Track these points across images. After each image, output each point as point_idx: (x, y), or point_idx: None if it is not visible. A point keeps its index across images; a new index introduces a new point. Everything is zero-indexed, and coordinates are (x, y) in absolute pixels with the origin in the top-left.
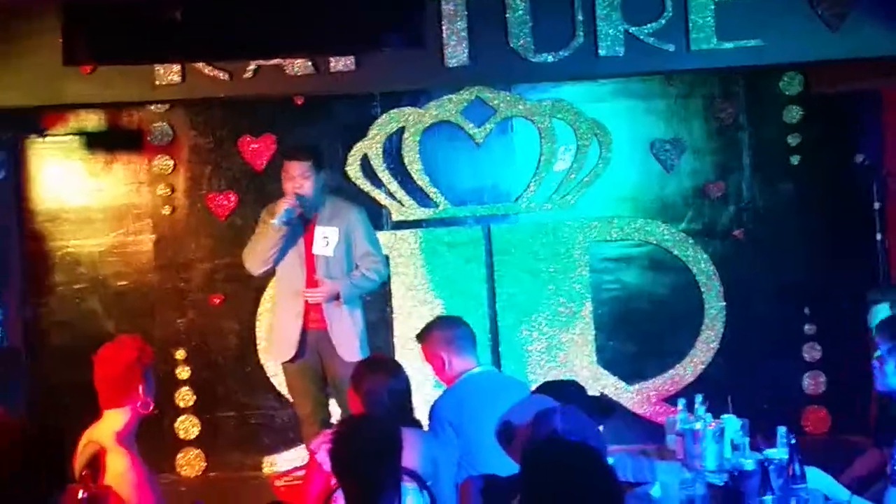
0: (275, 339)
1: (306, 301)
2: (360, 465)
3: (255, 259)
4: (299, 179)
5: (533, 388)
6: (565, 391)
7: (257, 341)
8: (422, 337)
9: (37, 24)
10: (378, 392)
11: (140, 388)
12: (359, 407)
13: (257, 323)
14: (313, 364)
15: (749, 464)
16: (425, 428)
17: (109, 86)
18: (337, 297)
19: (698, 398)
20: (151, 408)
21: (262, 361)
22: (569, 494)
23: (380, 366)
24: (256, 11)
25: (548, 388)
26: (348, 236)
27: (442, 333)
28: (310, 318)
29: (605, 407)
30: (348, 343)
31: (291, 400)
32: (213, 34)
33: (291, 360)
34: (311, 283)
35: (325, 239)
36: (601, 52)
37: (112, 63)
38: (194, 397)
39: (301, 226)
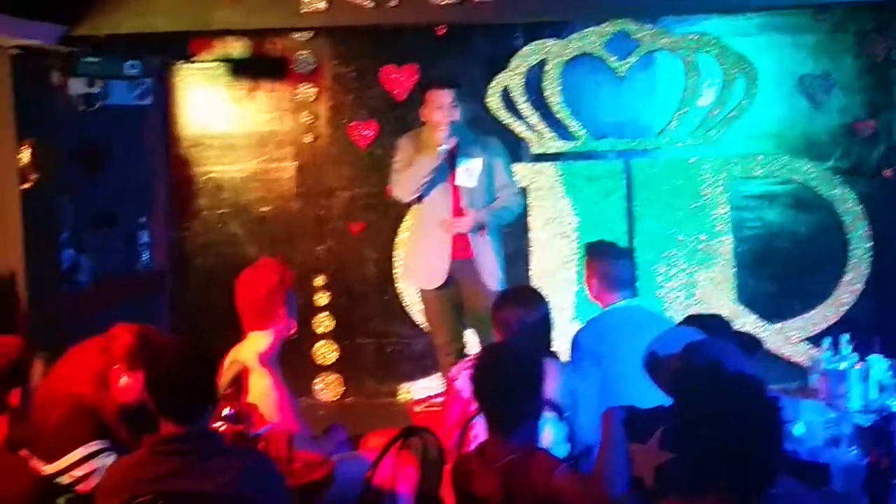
0: (420, 266)
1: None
2: (501, 392)
3: (409, 187)
4: (449, 108)
5: (679, 321)
6: (712, 325)
7: (395, 269)
8: (587, 254)
9: None
10: (510, 322)
11: (282, 310)
12: (498, 334)
13: (395, 252)
14: (454, 294)
15: None
16: (563, 359)
17: (255, 12)
18: (481, 227)
19: (844, 338)
20: (293, 330)
21: (400, 290)
22: (731, 423)
23: (515, 297)
24: None
25: (693, 321)
26: (490, 167)
27: (605, 266)
28: (456, 246)
29: (750, 343)
30: (493, 271)
31: (429, 328)
32: None
33: (437, 289)
34: (457, 212)
35: (468, 170)
36: None
37: None
38: (333, 323)
39: (448, 160)
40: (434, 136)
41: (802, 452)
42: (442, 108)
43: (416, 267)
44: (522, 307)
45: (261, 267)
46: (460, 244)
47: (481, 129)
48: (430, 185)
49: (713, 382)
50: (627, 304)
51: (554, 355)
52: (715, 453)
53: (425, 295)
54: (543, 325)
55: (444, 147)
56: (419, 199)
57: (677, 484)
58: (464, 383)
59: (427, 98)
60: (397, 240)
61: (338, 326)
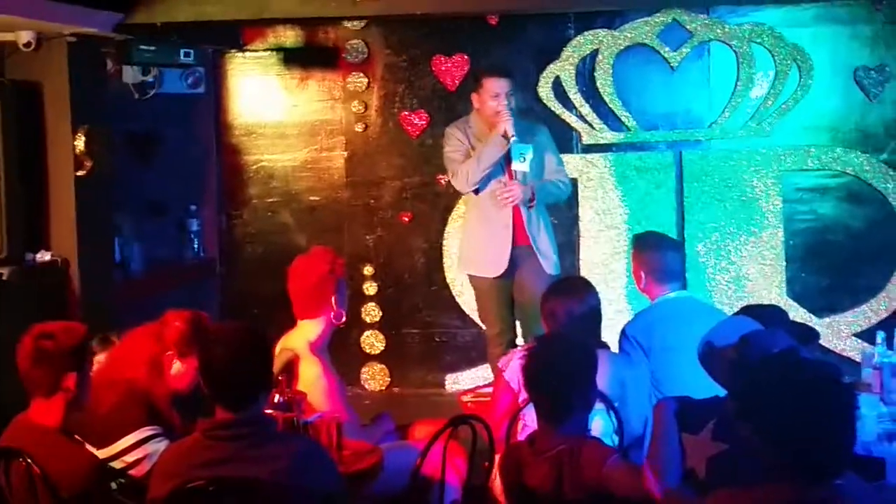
0: (481, 255)
1: (514, 216)
2: (553, 383)
3: (473, 177)
4: (506, 96)
5: (735, 311)
6: (768, 315)
7: (443, 259)
8: (634, 246)
9: None
10: (558, 313)
11: (333, 299)
12: (546, 325)
13: (444, 242)
14: (508, 284)
15: None
16: (612, 350)
17: (309, 1)
18: (531, 200)
19: None
20: (344, 319)
21: (449, 280)
22: (808, 409)
23: (564, 288)
24: None
25: (750, 311)
26: (541, 153)
27: (654, 260)
28: (517, 233)
29: (806, 334)
30: (550, 256)
31: (480, 319)
32: None
33: (493, 278)
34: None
35: (522, 155)
36: None
37: None
38: (380, 313)
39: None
40: (492, 124)
41: (856, 446)
42: (499, 97)
43: (476, 256)
44: (571, 298)
45: (313, 255)
46: (520, 231)
47: (532, 119)
48: (487, 175)
49: (791, 368)
50: (677, 296)
51: (604, 346)
52: (787, 441)
53: (479, 284)
54: (592, 317)
55: (514, 137)
56: (476, 190)
57: (737, 474)
58: (513, 374)
59: (483, 85)
60: (446, 230)
61: (385, 316)
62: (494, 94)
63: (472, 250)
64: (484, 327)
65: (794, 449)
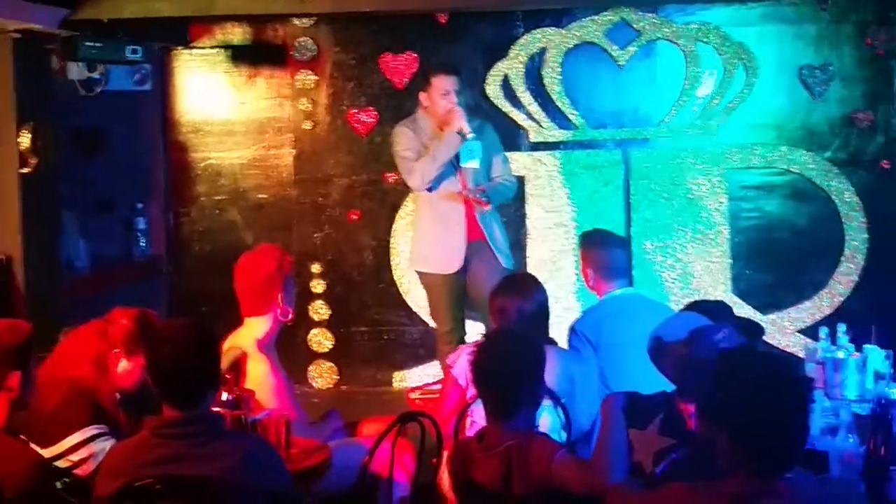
0: (435, 252)
1: (466, 211)
2: (502, 378)
3: (430, 175)
4: (454, 94)
5: (683, 306)
6: (715, 311)
7: (391, 257)
8: (582, 244)
9: None
10: (507, 310)
11: (280, 296)
12: (495, 321)
13: (392, 240)
14: (460, 280)
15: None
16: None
17: None
18: (487, 203)
19: (841, 327)
20: (291, 316)
21: (397, 278)
22: (768, 404)
23: (512, 284)
24: None
25: (696, 307)
26: (487, 150)
27: (601, 256)
28: (470, 228)
29: (752, 329)
30: (505, 249)
31: (431, 316)
32: None
33: (446, 274)
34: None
35: (472, 152)
36: None
37: None
38: (329, 311)
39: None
40: (442, 122)
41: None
42: (448, 94)
43: (429, 253)
44: (520, 295)
45: (260, 252)
46: (473, 226)
47: (481, 116)
48: (439, 174)
49: (751, 361)
50: (624, 293)
51: (552, 342)
52: (747, 434)
53: (431, 281)
54: (540, 314)
55: (474, 133)
56: (429, 189)
57: (686, 468)
58: (461, 371)
59: (432, 83)
60: (394, 227)
61: (333, 314)
62: (444, 92)
63: (424, 247)
64: (434, 324)
65: (754, 443)
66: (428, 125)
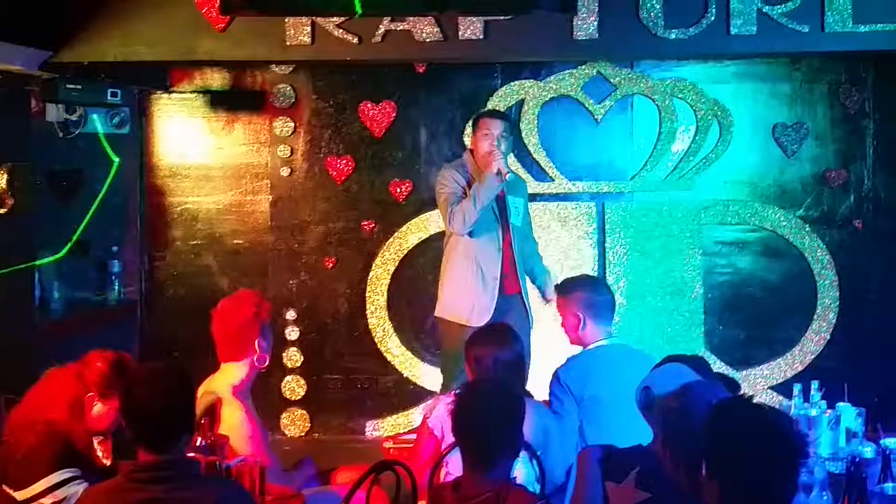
0: (467, 303)
1: (504, 265)
2: (481, 428)
3: (470, 219)
4: (498, 138)
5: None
6: (693, 365)
7: (366, 305)
8: (564, 290)
9: None
10: (484, 359)
11: (257, 342)
12: (471, 372)
13: (368, 288)
14: None
15: (869, 451)
16: (535, 398)
17: (240, 44)
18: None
19: (814, 385)
20: (267, 363)
21: (372, 326)
22: (763, 459)
23: (489, 335)
24: None
25: (674, 360)
26: (527, 207)
27: (587, 295)
28: (507, 282)
29: (730, 385)
30: (531, 307)
31: (441, 366)
32: None
33: (474, 326)
34: (507, 246)
35: (518, 209)
36: (732, 30)
37: (268, 13)
38: (302, 358)
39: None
40: (484, 164)
41: None
42: (489, 136)
43: (461, 304)
44: (497, 345)
45: (238, 298)
46: (511, 281)
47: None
48: (480, 222)
49: (747, 414)
50: (611, 343)
51: (527, 394)
52: (737, 487)
53: (454, 331)
54: (517, 364)
55: (508, 175)
56: (470, 235)
57: None
58: (437, 421)
59: (479, 125)
60: (370, 276)
61: (306, 361)
62: (486, 133)
63: (456, 296)
64: (441, 374)
65: (746, 494)
66: (473, 168)
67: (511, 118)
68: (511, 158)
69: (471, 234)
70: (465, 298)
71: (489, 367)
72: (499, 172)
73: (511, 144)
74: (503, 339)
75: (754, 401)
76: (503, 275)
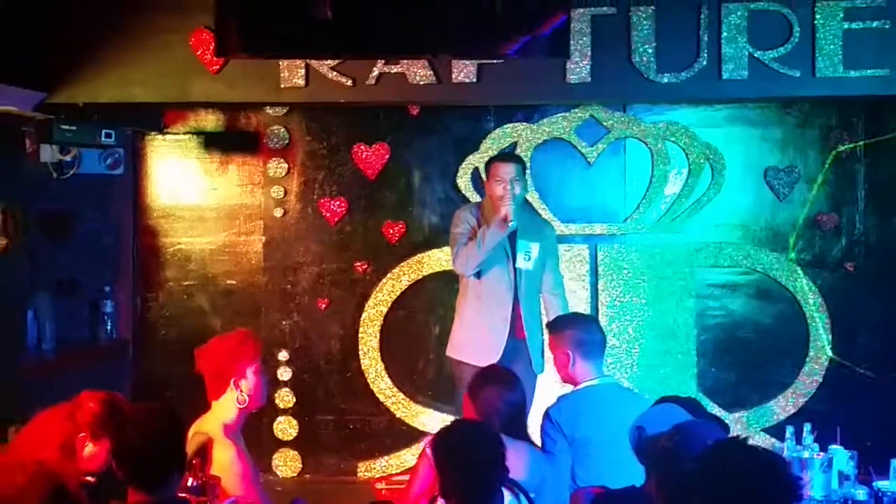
0: (476, 342)
1: (513, 309)
2: (467, 467)
3: (473, 260)
4: (511, 182)
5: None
6: (686, 406)
7: (359, 346)
8: (555, 328)
9: (166, 22)
10: (494, 402)
11: (238, 381)
12: (472, 414)
13: (360, 329)
14: None
15: (861, 494)
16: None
17: (234, 86)
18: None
19: (807, 427)
20: (259, 403)
21: (364, 367)
22: (762, 496)
23: (498, 377)
24: (408, 10)
25: (669, 402)
26: (544, 253)
27: (577, 333)
28: (514, 325)
29: (722, 426)
30: (539, 355)
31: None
32: (363, 31)
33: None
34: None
35: (528, 253)
36: (724, 74)
37: (264, 56)
38: (294, 399)
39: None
40: (496, 209)
41: None
42: (502, 182)
43: (469, 342)
44: (505, 387)
45: (224, 334)
46: (518, 324)
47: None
48: (490, 262)
49: (746, 458)
50: (602, 382)
51: (528, 438)
52: None
53: (463, 371)
54: (524, 404)
55: (515, 222)
56: (478, 275)
57: None
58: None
59: (491, 170)
60: (363, 317)
61: (298, 402)
62: (498, 179)
63: (464, 335)
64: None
65: None
66: (487, 211)
67: (523, 160)
68: (536, 198)
69: (479, 275)
70: (470, 336)
71: (498, 407)
72: (505, 217)
73: (525, 186)
74: (509, 380)
75: (749, 442)
76: (512, 317)
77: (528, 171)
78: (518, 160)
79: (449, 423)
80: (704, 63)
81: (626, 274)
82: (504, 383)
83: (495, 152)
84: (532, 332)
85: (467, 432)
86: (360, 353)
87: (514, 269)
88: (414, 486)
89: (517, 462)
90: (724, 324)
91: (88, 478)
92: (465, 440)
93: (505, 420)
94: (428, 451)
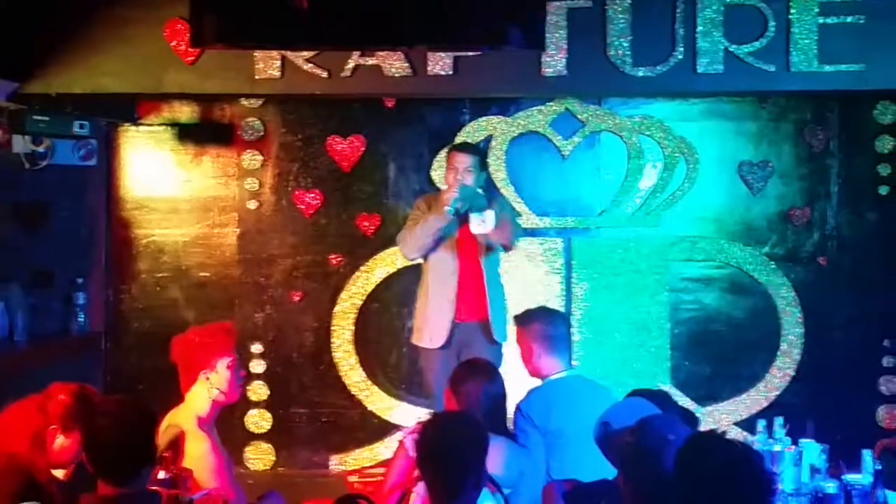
0: (425, 325)
1: (457, 291)
2: (442, 459)
3: (413, 244)
4: (463, 172)
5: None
6: (656, 400)
7: (332, 339)
8: (521, 321)
9: (140, 12)
10: (475, 394)
11: (206, 373)
12: (454, 406)
13: (334, 322)
14: (450, 356)
15: (832, 488)
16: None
17: (209, 77)
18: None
19: (778, 421)
20: (234, 398)
21: (337, 360)
22: (738, 488)
23: (479, 369)
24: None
25: (639, 395)
26: (499, 216)
27: (542, 327)
28: (464, 307)
29: (690, 419)
30: (501, 325)
31: (424, 391)
32: (339, 22)
33: (438, 349)
34: (464, 275)
35: (483, 220)
36: (699, 68)
37: (239, 47)
38: (267, 392)
39: (456, 219)
40: (444, 197)
41: None
42: (454, 171)
43: (422, 327)
44: (485, 378)
45: (206, 329)
46: (465, 307)
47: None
48: (436, 246)
49: (722, 453)
50: (570, 375)
51: (507, 433)
52: None
53: (421, 355)
54: (503, 397)
55: (451, 209)
56: (425, 259)
57: None
58: (412, 442)
59: (448, 159)
60: (336, 310)
61: (272, 395)
62: (451, 168)
63: (417, 320)
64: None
65: None
66: (439, 200)
67: (482, 151)
68: (511, 191)
69: (425, 258)
70: (421, 321)
71: (478, 399)
72: (446, 203)
73: (481, 178)
74: (489, 372)
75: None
76: (457, 298)
77: (487, 166)
78: (476, 151)
79: (431, 416)
80: (680, 57)
81: (600, 267)
82: (484, 375)
83: None
84: (494, 304)
85: (451, 424)
86: (334, 345)
87: (460, 250)
88: (389, 478)
89: (495, 456)
90: (697, 317)
91: (59, 476)
92: (448, 433)
93: (485, 413)
94: (407, 443)
